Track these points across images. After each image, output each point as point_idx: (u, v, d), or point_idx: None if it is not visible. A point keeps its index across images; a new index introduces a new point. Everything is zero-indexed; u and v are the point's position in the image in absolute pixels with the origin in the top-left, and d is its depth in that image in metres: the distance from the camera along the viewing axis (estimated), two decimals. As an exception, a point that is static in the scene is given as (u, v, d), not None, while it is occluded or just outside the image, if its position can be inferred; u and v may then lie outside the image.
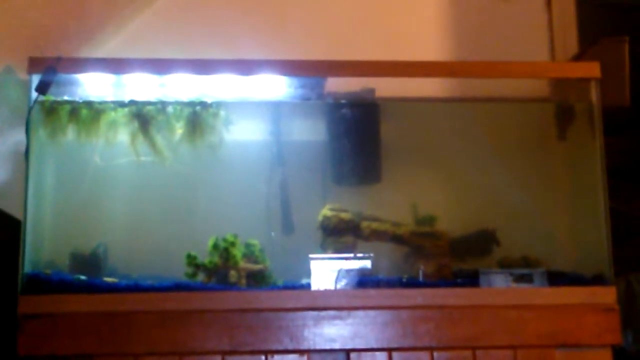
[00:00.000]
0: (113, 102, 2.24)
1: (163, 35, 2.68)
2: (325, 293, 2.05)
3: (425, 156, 2.48)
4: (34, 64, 2.11)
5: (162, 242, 2.26)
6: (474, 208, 2.42)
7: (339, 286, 2.08)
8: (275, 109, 2.42)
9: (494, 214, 2.40)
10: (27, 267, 2.03)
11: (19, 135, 2.14)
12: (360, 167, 2.42)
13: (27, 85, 2.13)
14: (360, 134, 2.43)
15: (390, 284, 2.10)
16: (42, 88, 2.09)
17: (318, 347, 1.98)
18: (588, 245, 2.30)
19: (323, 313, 1.99)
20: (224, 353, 1.96)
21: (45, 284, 2.01)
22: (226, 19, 2.73)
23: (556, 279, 2.13)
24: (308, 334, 1.98)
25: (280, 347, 1.97)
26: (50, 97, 2.18)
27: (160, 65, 2.17)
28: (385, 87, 2.40)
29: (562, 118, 2.47)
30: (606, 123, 2.23)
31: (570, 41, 2.77)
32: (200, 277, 2.14)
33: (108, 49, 2.65)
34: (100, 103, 2.24)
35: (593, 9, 2.77)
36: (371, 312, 2.00)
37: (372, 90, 2.41)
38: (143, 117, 2.24)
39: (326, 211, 2.27)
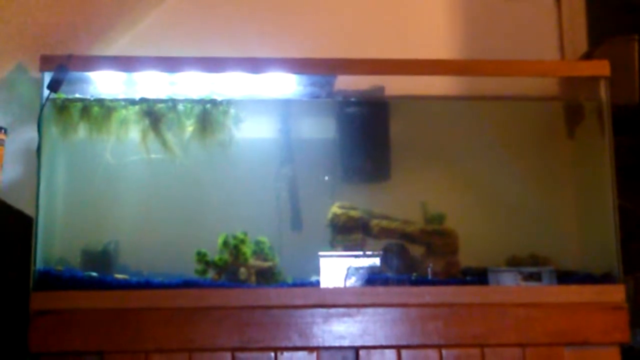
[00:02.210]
0: (124, 100, 2.25)
1: (173, 34, 2.69)
2: (335, 290, 2.05)
3: (435, 154, 2.48)
4: (46, 62, 2.12)
5: (173, 239, 2.28)
6: (483, 206, 2.42)
7: (348, 284, 2.09)
8: (285, 106, 2.43)
9: (503, 212, 2.40)
10: (38, 263, 2.05)
11: (31, 133, 2.16)
12: (370, 165, 2.43)
13: (38, 83, 2.14)
14: (369, 131, 2.44)
15: (399, 281, 2.11)
16: (54, 86, 2.10)
17: (327, 344, 1.98)
18: (597, 243, 2.30)
19: (332, 310, 2.00)
20: (234, 350, 1.97)
21: (56, 280, 2.02)
22: (236, 17, 2.74)
23: (565, 277, 2.13)
24: (317, 331, 1.99)
25: (289, 344, 1.97)
26: (61, 94, 2.20)
27: (170, 63, 2.18)
28: (395, 85, 2.40)
29: (571, 116, 2.47)
30: (615, 121, 2.23)
31: (579, 40, 2.77)
32: (210, 274, 2.16)
33: (118, 47, 2.66)
34: (111, 101, 2.25)
35: (602, 7, 2.76)
36: (380, 310, 2.01)
37: (382, 88, 2.42)
38: (154, 114, 2.25)
39: (335, 209, 2.28)
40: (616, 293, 2.08)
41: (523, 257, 2.23)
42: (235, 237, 2.18)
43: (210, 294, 2.01)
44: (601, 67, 2.25)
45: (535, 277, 2.11)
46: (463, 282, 2.13)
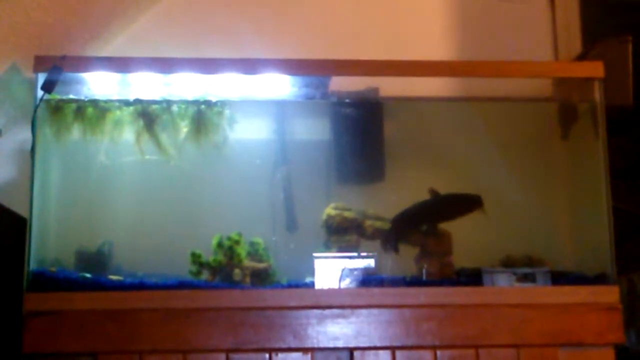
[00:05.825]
0: (118, 101, 2.25)
1: (168, 34, 2.69)
2: (329, 292, 2.05)
3: (429, 155, 2.48)
4: (40, 63, 2.11)
5: (167, 240, 2.27)
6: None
7: (342, 285, 2.09)
8: (280, 107, 2.43)
9: (497, 213, 2.40)
10: (32, 264, 2.04)
11: (25, 134, 2.15)
12: (364, 166, 2.43)
13: (32, 83, 2.14)
14: (364, 132, 2.44)
15: (393, 282, 2.11)
16: (48, 86, 2.09)
17: (322, 345, 1.98)
18: (591, 244, 2.31)
19: (327, 311, 2.00)
20: (228, 351, 1.96)
21: (50, 281, 2.02)
22: (231, 18, 2.74)
23: (559, 278, 2.13)
24: (312, 333, 1.99)
25: (283, 346, 1.97)
26: (55, 95, 2.19)
27: (165, 64, 2.18)
28: (389, 86, 2.41)
29: (565, 118, 2.47)
30: (609, 122, 2.24)
31: (573, 41, 2.77)
32: (205, 275, 2.15)
33: (113, 47, 2.66)
34: (106, 102, 2.25)
35: (597, 8, 2.77)
36: (375, 311, 2.01)
37: (376, 89, 2.42)
38: (148, 115, 2.25)
39: (330, 210, 2.28)
40: (610, 294, 2.08)
41: (517, 258, 2.23)
42: (229, 238, 2.17)
43: (205, 295, 2.01)
44: (595, 68, 2.25)
45: (529, 277, 2.11)
46: (457, 283, 2.13)
